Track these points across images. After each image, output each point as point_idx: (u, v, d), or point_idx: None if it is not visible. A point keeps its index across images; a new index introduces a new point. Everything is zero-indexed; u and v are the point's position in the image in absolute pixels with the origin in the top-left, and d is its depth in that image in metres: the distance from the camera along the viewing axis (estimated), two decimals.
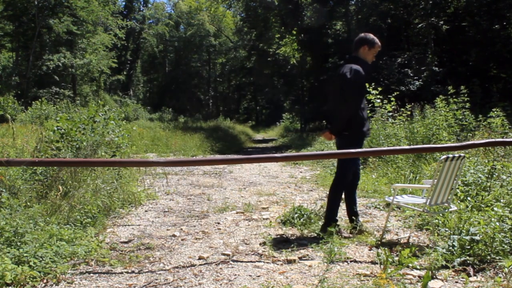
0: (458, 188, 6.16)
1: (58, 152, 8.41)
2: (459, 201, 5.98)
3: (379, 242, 5.06)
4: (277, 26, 33.13)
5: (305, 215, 5.82)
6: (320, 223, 5.73)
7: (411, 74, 24.84)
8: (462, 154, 4.92)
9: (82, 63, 35.50)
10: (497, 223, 4.46)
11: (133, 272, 4.17)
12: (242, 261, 4.37)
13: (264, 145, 31.06)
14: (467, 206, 5.57)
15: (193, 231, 5.63)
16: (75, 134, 9.01)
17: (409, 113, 12.77)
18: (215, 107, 58.15)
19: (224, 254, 4.57)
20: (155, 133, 22.64)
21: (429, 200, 4.76)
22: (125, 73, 49.32)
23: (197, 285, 3.80)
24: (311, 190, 9.07)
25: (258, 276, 3.98)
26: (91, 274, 4.07)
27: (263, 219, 6.24)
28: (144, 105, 48.68)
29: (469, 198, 5.99)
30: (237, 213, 6.67)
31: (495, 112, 10.53)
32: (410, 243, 5.16)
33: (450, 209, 5.09)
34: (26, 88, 32.06)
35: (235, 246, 4.86)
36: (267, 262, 4.34)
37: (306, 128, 32.00)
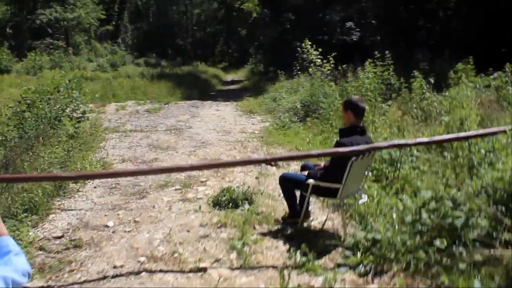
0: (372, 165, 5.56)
1: (24, 121, 7.57)
2: (372, 181, 5.40)
3: (298, 226, 4.49)
4: None
5: (232, 197, 5.19)
6: (247, 205, 5.11)
7: (353, 27, 23.86)
8: (372, 152, 4.27)
9: (72, 17, 33.32)
10: (396, 226, 3.87)
11: (48, 287, 3.51)
12: (152, 271, 3.72)
13: (231, 87, 30.07)
14: (377, 192, 4.96)
15: (126, 219, 4.95)
16: (39, 105, 8.12)
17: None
18: (193, 51, 55.97)
19: (138, 262, 3.91)
20: (134, 82, 21.46)
21: (339, 194, 4.15)
22: (113, 23, 46.75)
23: None
24: (254, 152, 8.40)
25: None
26: None
27: (197, 198, 5.57)
28: (131, 51, 46.65)
29: (383, 180, 5.41)
30: (175, 190, 5.97)
31: (416, 74, 9.91)
32: (324, 229, 4.60)
33: (360, 201, 4.50)
34: (22, 40, 30.05)
35: (154, 247, 4.19)
36: (176, 272, 3.70)
37: (268, 71, 31.01)
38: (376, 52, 10.57)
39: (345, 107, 4.32)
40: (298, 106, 11.95)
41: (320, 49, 12.28)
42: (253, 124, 12.03)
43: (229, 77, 40.73)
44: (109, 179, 6.52)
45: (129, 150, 8.66)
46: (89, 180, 6.33)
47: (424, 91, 9.85)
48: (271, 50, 27.81)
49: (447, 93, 8.27)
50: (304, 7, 24.76)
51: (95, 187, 6.20)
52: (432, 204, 3.98)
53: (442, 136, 4.67)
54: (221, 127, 11.36)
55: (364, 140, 4.21)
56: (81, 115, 9.02)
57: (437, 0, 23.75)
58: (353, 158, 3.96)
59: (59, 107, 8.29)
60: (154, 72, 27.15)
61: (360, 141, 4.14)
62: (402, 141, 3.74)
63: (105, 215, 5.11)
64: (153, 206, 5.33)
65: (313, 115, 10.75)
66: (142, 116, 13.60)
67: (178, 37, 56.85)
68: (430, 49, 21.94)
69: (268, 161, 5.28)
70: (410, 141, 3.56)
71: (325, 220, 4.76)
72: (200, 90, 23.49)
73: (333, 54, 12.12)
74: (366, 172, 4.48)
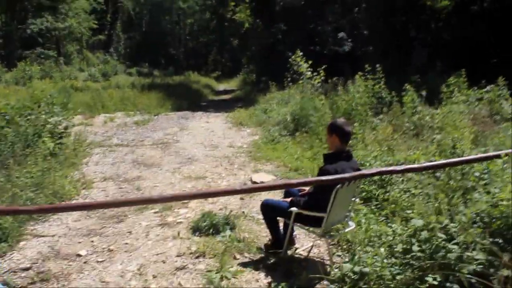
0: (361, 187, 5.29)
1: (4, 138, 7.24)
2: (361, 203, 5.12)
3: (282, 255, 4.19)
4: None
5: (213, 223, 4.89)
6: (228, 231, 4.81)
7: (345, 37, 23.70)
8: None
9: (63, 27, 32.99)
10: (385, 260, 3.58)
11: None
12: None
13: (222, 97, 29.80)
14: (365, 217, 4.67)
15: (100, 247, 4.62)
16: (18, 121, 7.80)
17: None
18: (185, 61, 55.71)
19: None
20: (124, 93, 21.09)
21: (324, 223, 3.86)
22: (106, 32, 46.44)
23: None
24: (241, 168, 8.11)
25: None
26: None
27: (177, 223, 5.26)
28: (123, 61, 46.30)
29: (372, 202, 5.12)
30: (155, 212, 5.64)
31: (407, 87, 9.71)
32: (309, 258, 4.31)
33: (347, 229, 4.21)
34: (12, 49, 29.65)
35: (126, 281, 3.87)
36: None
37: (260, 81, 30.81)
38: (367, 66, 10.32)
39: (330, 131, 4.03)
40: (288, 119, 11.70)
41: (311, 61, 12.01)
42: (242, 137, 11.74)
43: (222, 86, 40.49)
44: (87, 201, 6.21)
45: (112, 167, 8.34)
46: (70, 199, 6.02)
47: (415, 104, 9.65)
48: (263, 60, 27.65)
49: (439, 110, 8.03)
50: (296, 18, 24.64)
51: None
52: (424, 234, 3.71)
53: (433, 162, 4.40)
54: (209, 141, 11.06)
55: (350, 166, 3.94)
56: (63, 130, 8.67)
57: (429, 11, 23.75)
58: (338, 185, 3.69)
59: (38, 124, 7.95)
60: (144, 82, 26.84)
61: (346, 168, 3.87)
62: (390, 168, 3.47)
63: (79, 242, 4.79)
64: (130, 232, 5.01)
65: (303, 129, 10.50)
66: (130, 129, 13.28)
67: (171, 46, 56.66)
68: (422, 61, 21.91)
69: (243, 192, 4.95)
70: (399, 167, 3.30)
71: (311, 248, 4.48)
72: (191, 101, 23.21)
73: (324, 66, 11.85)
74: (352, 199, 4.20)
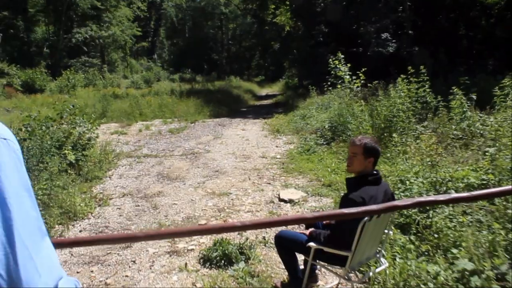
0: (398, 212, 4.53)
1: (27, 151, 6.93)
2: (398, 231, 4.36)
3: None
4: None
5: (226, 253, 4.28)
6: (242, 263, 4.20)
7: (389, 38, 22.57)
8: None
9: (107, 35, 33.48)
10: None
11: None
12: None
13: (263, 102, 29.28)
14: (401, 249, 3.92)
15: (98, 280, 4.11)
16: (39, 132, 7.50)
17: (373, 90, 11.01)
18: (228, 66, 55.66)
19: None
20: (162, 100, 20.92)
21: (348, 263, 3.18)
22: (149, 39, 47.04)
23: None
24: (270, 183, 7.48)
25: None
26: None
27: (187, 250, 4.69)
28: (167, 67, 46.70)
29: (412, 230, 4.35)
30: None
31: (455, 90, 8.78)
32: None
33: (378, 268, 3.50)
34: (58, 58, 30.30)
35: None
36: None
37: (302, 84, 30.08)
38: (409, 68, 9.43)
39: (366, 153, 3.27)
40: (326, 127, 10.97)
41: (352, 64, 11.25)
42: (277, 146, 11.10)
43: (264, 91, 40.02)
44: (99, 221, 5.76)
45: (135, 181, 7.91)
46: (73, 223, 5.59)
47: (465, 109, 8.69)
48: (305, 63, 26.90)
49: (492, 119, 7.09)
50: (338, 19, 23.76)
51: (80, 231, 5.44)
52: (475, 280, 2.97)
53: (487, 190, 3.61)
54: (241, 151, 10.50)
55: (381, 191, 3.24)
56: (86, 141, 8.34)
57: (479, 7, 22.35)
58: (366, 218, 2.99)
59: (60, 136, 7.63)
60: (184, 88, 26.68)
61: (375, 194, 3.17)
62: (431, 198, 2.75)
63: (77, 272, 4.30)
64: (134, 261, 4.47)
65: (340, 137, 9.75)
66: (163, 138, 12.92)
67: (214, 51, 56.78)
68: (472, 60, 20.56)
69: (244, 229, 4.28)
70: (443, 197, 2.59)
71: (336, 286, 3.79)
72: (231, 107, 22.84)
73: (363, 69, 11.04)
74: (385, 230, 3.48)
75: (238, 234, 4.84)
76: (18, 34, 32.16)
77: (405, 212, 4.58)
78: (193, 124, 16.48)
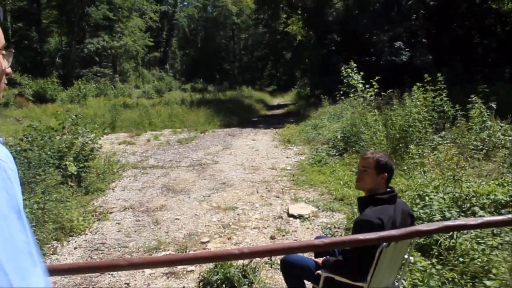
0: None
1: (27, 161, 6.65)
2: (418, 254, 3.94)
3: None
4: (285, 6, 30.27)
5: (227, 276, 3.89)
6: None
7: (403, 46, 22.13)
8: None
9: (119, 45, 33.49)
10: None
11: None
12: None
13: (275, 112, 28.90)
14: (422, 275, 3.49)
15: None
16: (40, 142, 7.22)
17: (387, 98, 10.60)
18: (240, 76, 55.54)
19: None
20: (172, 109, 20.66)
21: None
22: (161, 50, 47.11)
23: None
24: (279, 196, 7.09)
25: None
26: None
27: (187, 271, 4.31)
28: (179, 77, 46.64)
29: (433, 252, 3.91)
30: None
31: (473, 99, 8.37)
32: None
33: None
34: (70, 68, 30.33)
35: None
36: None
37: (314, 94, 29.71)
38: (426, 75, 9.02)
39: (379, 169, 2.88)
40: (338, 137, 10.57)
41: (364, 72, 10.87)
42: (287, 157, 10.71)
43: (276, 101, 39.68)
44: (95, 237, 5.42)
45: (138, 193, 7.57)
46: (69, 240, 5.25)
47: (484, 119, 8.26)
48: (317, 73, 26.54)
49: None
50: (350, 28, 23.41)
51: (75, 248, 5.09)
52: None
53: None
54: (250, 162, 10.12)
55: (398, 211, 2.84)
56: (89, 152, 8.04)
57: (494, 15, 21.86)
58: (384, 244, 2.59)
59: (59, 146, 7.34)
60: (195, 98, 26.45)
61: (393, 214, 2.77)
62: (459, 222, 2.36)
63: None
64: (128, 284, 4.11)
65: (353, 148, 9.33)
66: (171, 148, 12.61)
67: (226, 61, 56.70)
68: (487, 68, 20.05)
69: (244, 257, 3.83)
70: (473, 221, 2.20)
71: None
72: (241, 117, 22.51)
73: (377, 77, 10.64)
74: (405, 256, 3.06)
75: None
76: (31, 45, 32.40)
77: None
78: (202, 134, 16.17)
